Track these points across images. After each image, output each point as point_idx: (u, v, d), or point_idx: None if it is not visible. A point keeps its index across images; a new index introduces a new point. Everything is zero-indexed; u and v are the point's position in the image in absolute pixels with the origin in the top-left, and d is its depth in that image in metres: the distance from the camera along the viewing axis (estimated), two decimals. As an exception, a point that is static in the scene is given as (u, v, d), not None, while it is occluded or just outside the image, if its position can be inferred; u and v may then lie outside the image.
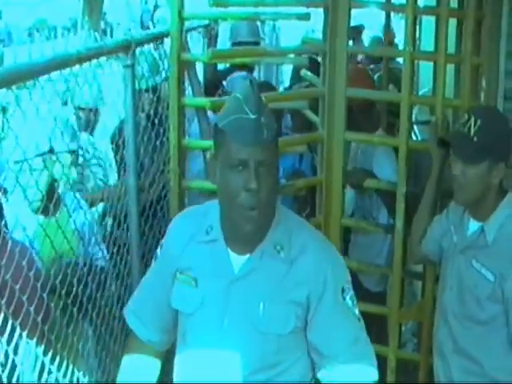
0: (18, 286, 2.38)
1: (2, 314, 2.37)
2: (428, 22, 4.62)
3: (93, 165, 4.50)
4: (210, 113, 4.09)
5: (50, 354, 2.65)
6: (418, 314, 3.76)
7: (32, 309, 2.49)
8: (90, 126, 4.85)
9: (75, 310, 3.07)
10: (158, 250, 2.54)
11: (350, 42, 4.18)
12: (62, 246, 2.95)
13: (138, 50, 3.58)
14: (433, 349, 3.28)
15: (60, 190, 3.47)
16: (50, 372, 2.73)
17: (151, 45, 4.02)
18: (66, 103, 5.02)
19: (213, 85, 5.38)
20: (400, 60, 3.92)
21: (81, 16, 11.36)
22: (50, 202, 3.08)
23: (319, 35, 3.92)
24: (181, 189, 3.62)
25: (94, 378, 3.24)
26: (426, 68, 4.80)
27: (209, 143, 3.73)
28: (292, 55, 4.40)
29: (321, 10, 3.76)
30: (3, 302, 2.29)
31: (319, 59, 4.09)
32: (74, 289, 3.03)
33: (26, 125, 2.65)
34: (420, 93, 5.28)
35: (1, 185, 3.23)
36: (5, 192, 3.14)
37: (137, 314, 2.53)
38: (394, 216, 3.86)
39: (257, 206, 2.20)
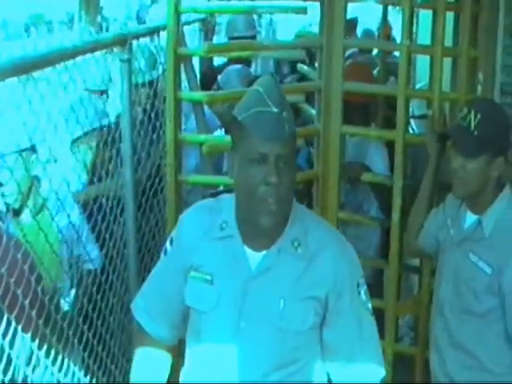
0: (12, 280, 2.38)
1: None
2: (425, 15, 4.61)
3: None
4: (206, 108, 4.09)
5: (44, 347, 2.64)
6: (415, 307, 3.77)
7: (27, 302, 2.48)
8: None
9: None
10: (168, 245, 2.47)
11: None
12: (44, 250, 2.86)
13: (134, 44, 3.57)
14: (429, 342, 3.28)
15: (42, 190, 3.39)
16: (45, 367, 2.72)
17: (147, 39, 4.01)
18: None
19: (209, 79, 5.37)
20: (397, 53, 3.90)
21: (78, 11, 11.33)
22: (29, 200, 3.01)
23: (316, 29, 3.91)
24: (177, 183, 3.61)
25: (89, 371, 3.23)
26: (422, 62, 4.80)
27: (205, 137, 3.76)
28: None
29: (317, 4, 3.75)
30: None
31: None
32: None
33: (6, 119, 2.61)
34: (417, 86, 5.28)
35: None
36: None
37: (146, 309, 2.49)
38: (384, 210, 3.86)
39: (276, 200, 2.18)
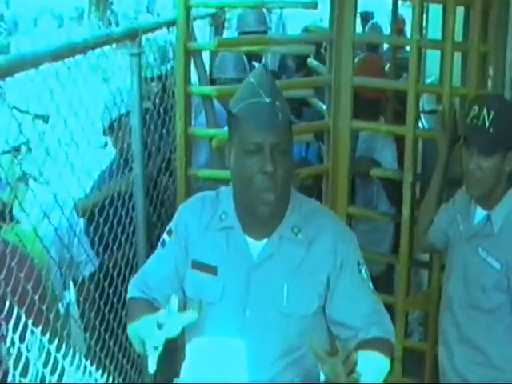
0: (22, 274, 2.38)
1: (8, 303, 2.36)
2: (435, 10, 4.60)
3: None
4: (215, 102, 4.08)
5: (55, 342, 2.65)
6: (425, 303, 3.76)
7: (37, 297, 2.49)
8: None
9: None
10: (166, 237, 2.48)
11: (360, 30, 4.18)
12: (32, 249, 2.77)
13: (144, 39, 3.57)
14: (438, 337, 3.28)
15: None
16: (55, 360, 2.72)
17: (158, 33, 4.00)
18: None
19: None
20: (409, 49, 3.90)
21: (87, 5, 11.33)
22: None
23: (327, 24, 3.91)
24: (187, 177, 3.61)
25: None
26: (433, 56, 4.78)
27: (215, 132, 3.76)
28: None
29: (327, -1, 3.75)
30: (8, 289, 2.29)
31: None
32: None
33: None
34: (427, 81, 5.27)
35: None
36: None
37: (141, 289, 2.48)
38: (394, 203, 3.85)
39: (273, 189, 2.21)
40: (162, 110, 3.98)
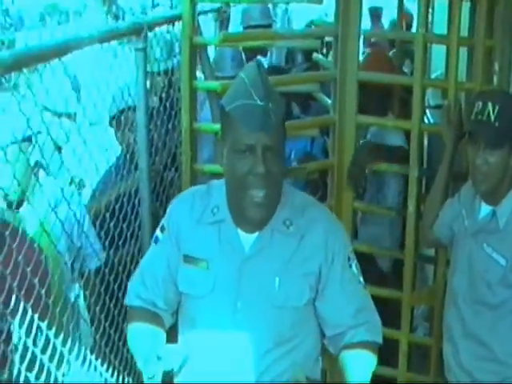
0: (29, 269, 2.39)
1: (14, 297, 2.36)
2: (441, 4, 4.59)
3: None
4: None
5: (61, 336, 2.65)
6: (430, 298, 3.76)
7: (44, 291, 2.49)
8: None
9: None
10: (159, 233, 2.51)
11: (369, 25, 4.17)
12: (40, 240, 2.76)
13: (151, 34, 3.57)
14: (443, 333, 3.28)
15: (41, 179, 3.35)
16: (61, 354, 2.73)
17: (164, 28, 4.00)
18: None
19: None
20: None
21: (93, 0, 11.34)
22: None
23: (332, 19, 3.90)
24: (193, 172, 3.61)
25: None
26: (438, 51, 4.78)
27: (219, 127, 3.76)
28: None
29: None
30: (15, 284, 2.29)
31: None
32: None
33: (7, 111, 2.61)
34: (432, 76, 5.26)
35: None
36: None
37: (139, 297, 2.52)
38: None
39: (264, 190, 2.23)
40: (167, 105, 3.97)
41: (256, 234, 2.35)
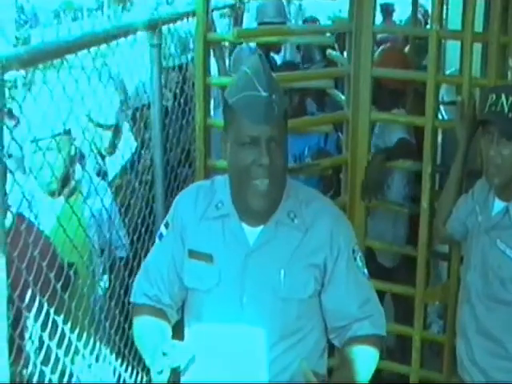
0: (45, 263, 2.41)
1: (30, 291, 2.38)
2: (455, 0, 4.58)
3: None
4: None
5: (76, 330, 2.67)
6: (444, 295, 3.76)
7: (59, 286, 2.51)
8: None
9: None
10: (163, 229, 2.51)
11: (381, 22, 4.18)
12: (76, 233, 2.86)
13: (166, 29, 3.58)
14: (456, 330, 3.28)
15: (76, 173, 3.43)
16: (76, 349, 2.75)
17: (178, 24, 4.01)
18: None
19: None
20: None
21: (107, -3, 11.38)
22: (66, 184, 3.03)
23: (346, 15, 3.90)
24: (206, 168, 3.62)
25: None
26: (453, 47, 4.77)
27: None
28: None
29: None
30: (30, 278, 2.31)
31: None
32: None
33: (42, 104, 2.64)
34: (447, 72, 5.25)
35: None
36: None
37: (145, 293, 2.52)
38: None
39: (268, 180, 2.24)
40: (182, 101, 3.98)
41: (261, 227, 2.36)
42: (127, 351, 3.32)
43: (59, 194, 3.14)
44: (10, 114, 3.91)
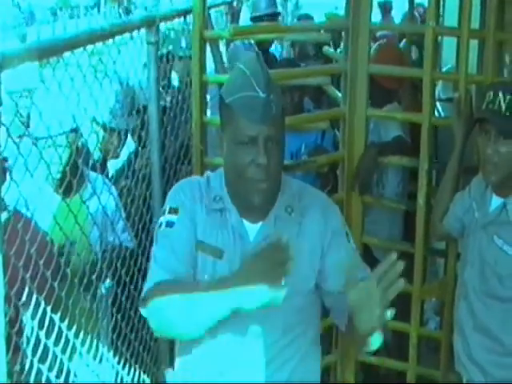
0: (42, 262, 2.40)
1: (27, 289, 2.38)
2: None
3: None
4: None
5: (74, 328, 2.67)
6: (440, 291, 3.76)
7: (56, 284, 2.51)
8: None
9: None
10: (172, 217, 2.37)
11: (379, 19, 4.19)
12: (73, 230, 2.83)
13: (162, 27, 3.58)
14: (453, 326, 3.28)
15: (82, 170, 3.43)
16: (73, 346, 2.74)
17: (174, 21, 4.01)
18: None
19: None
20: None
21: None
22: (70, 181, 3.01)
23: (342, 12, 3.91)
24: (203, 165, 3.62)
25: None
26: (449, 44, 4.78)
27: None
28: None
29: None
30: (28, 276, 2.30)
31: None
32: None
33: (50, 102, 2.64)
34: (443, 69, 5.26)
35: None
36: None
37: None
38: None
39: (266, 179, 2.25)
40: (187, 93, 3.98)
41: (260, 223, 2.37)
42: (125, 349, 3.33)
43: (65, 192, 3.12)
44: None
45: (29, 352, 2.41)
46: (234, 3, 5.76)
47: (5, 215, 2.18)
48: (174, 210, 2.39)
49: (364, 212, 3.92)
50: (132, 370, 3.43)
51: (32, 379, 2.41)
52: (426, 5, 6.73)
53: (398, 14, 9.64)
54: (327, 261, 2.39)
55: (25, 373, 2.38)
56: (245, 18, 6.44)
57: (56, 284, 2.51)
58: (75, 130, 3.31)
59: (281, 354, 2.37)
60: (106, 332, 3.21)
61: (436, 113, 4.31)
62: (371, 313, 1.97)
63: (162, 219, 2.40)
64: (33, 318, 2.43)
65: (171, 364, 3.52)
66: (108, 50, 3.11)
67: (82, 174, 3.08)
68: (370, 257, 4.01)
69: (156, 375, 3.70)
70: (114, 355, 3.26)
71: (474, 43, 3.70)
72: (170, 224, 2.38)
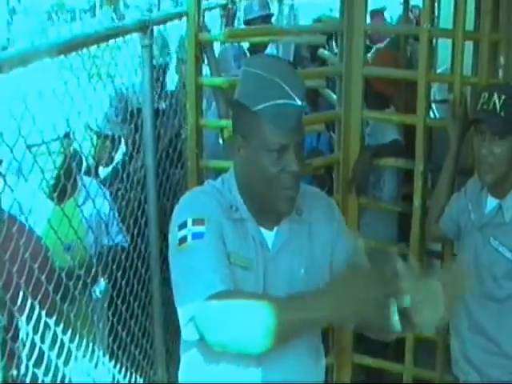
0: (36, 265, 2.40)
1: (22, 294, 2.38)
2: (447, -1, 4.60)
3: None
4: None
5: (69, 332, 2.67)
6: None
7: (51, 288, 2.50)
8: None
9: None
10: (199, 228, 2.20)
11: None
12: (67, 235, 2.82)
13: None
14: (449, 327, 3.29)
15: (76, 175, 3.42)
16: (69, 350, 2.74)
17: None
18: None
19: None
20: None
21: (99, -2, 11.39)
22: (63, 187, 3.00)
23: (337, 14, 3.91)
24: (199, 168, 3.62)
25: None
26: (444, 46, 4.78)
27: (226, 123, 3.76)
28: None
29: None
30: (22, 280, 2.30)
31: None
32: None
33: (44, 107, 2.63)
34: (438, 71, 5.26)
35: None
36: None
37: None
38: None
39: (296, 186, 2.22)
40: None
41: (275, 230, 2.32)
42: (121, 353, 3.32)
43: (59, 198, 3.10)
44: None
45: (24, 356, 2.41)
46: (229, 5, 5.76)
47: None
48: (199, 221, 2.22)
49: (359, 214, 3.92)
50: (128, 373, 3.43)
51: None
52: (421, 7, 6.78)
53: (393, 16, 9.66)
54: (337, 254, 2.36)
55: (20, 377, 2.38)
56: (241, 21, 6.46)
57: (51, 288, 2.50)
58: (68, 135, 3.28)
59: (290, 351, 2.24)
60: (102, 336, 3.21)
61: (431, 114, 4.32)
62: (434, 313, 1.95)
63: (184, 233, 2.22)
64: (28, 322, 2.42)
65: (167, 368, 3.53)
66: (102, 53, 3.10)
67: (75, 180, 3.08)
68: None
69: (152, 379, 3.70)
70: (110, 359, 3.26)
71: (468, 45, 3.70)
72: (198, 235, 2.20)
